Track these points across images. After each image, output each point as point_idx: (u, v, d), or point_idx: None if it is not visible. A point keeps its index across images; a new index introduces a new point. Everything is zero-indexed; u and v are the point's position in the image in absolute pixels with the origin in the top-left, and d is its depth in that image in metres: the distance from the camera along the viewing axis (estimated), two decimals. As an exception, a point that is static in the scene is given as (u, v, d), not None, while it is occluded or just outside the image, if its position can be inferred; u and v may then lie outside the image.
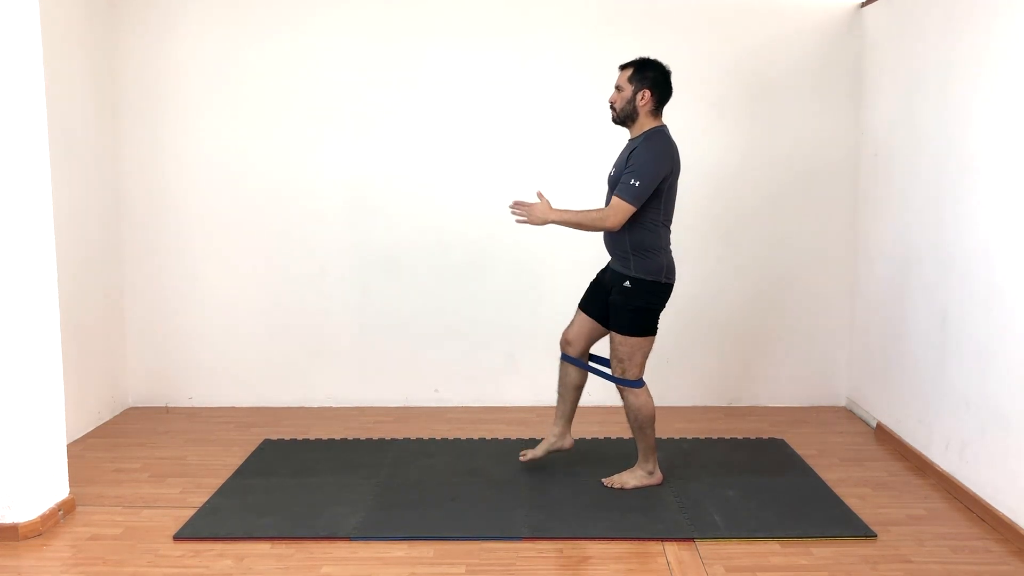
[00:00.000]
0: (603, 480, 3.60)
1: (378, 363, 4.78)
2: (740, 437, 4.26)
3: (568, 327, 3.67)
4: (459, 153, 4.65)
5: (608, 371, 3.61)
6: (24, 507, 3.18)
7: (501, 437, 4.26)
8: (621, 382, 3.49)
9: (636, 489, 3.55)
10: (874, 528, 3.20)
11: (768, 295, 4.72)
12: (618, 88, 3.43)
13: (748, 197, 4.66)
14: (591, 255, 4.71)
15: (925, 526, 3.24)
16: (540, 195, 3.42)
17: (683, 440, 4.19)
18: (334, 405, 4.81)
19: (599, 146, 4.63)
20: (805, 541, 3.12)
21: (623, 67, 3.45)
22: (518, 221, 3.41)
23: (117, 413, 4.68)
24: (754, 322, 4.74)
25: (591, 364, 3.69)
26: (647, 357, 3.50)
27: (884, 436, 4.18)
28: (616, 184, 3.38)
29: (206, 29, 4.60)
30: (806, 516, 3.31)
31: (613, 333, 3.47)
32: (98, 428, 4.44)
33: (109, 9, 4.56)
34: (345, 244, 4.71)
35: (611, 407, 4.73)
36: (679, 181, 3.45)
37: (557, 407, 3.74)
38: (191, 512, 3.37)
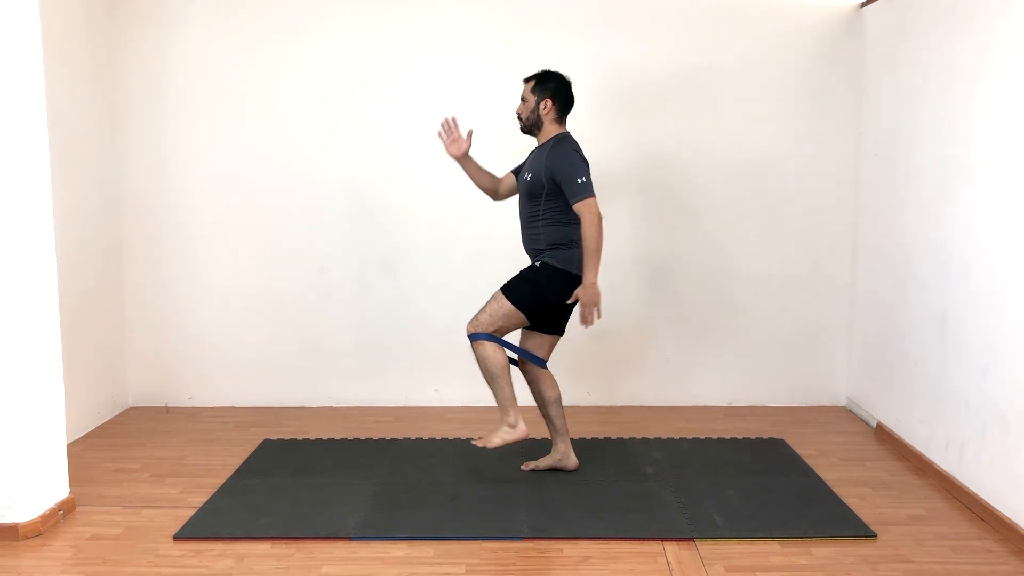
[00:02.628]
0: (472, 440, 3.67)
1: (378, 363, 4.78)
2: (740, 437, 4.26)
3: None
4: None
5: (517, 348, 3.67)
6: (24, 507, 3.18)
7: (501, 437, 4.25)
8: (471, 336, 3.52)
9: (504, 445, 3.55)
10: (874, 528, 3.20)
11: (768, 295, 4.72)
12: (523, 99, 3.61)
13: (747, 197, 4.66)
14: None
15: (925, 526, 3.24)
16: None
17: (683, 440, 4.19)
18: (334, 405, 4.81)
19: (599, 146, 4.63)
20: (805, 541, 3.12)
21: (527, 80, 3.62)
22: (586, 323, 3.46)
23: (117, 413, 4.68)
24: (754, 322, 4.74)
25: (513, 347, 3.69)
26: (505, 331, 3.54)
27: (884, 436, 4.18)
28: (533, 187, 3.51)
29: (206, 29, 4.60)
30: (806, 516, 3.31)
31: (498, 290, 3.55)
32: (98, 428, 4.44)
33: (109, 9, 4.57)
34: (345, 244, 4.71)
35: (611, 407, 4.74)
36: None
37: (548, 427, 3.76)
38: (191, 512, 3.37)
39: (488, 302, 3.55)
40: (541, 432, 4.23)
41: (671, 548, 3.07)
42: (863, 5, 4.51)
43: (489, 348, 3.50)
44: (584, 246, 3.42)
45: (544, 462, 3.75)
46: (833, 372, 4.77)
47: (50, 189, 3.31)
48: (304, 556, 3.02)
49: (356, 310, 4.75)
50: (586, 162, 3.50)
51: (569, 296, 3.50)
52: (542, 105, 3.55)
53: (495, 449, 3.61)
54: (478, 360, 3.54)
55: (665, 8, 4.56)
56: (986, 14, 3.36)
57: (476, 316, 3.55)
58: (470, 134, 3.80)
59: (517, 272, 3.61)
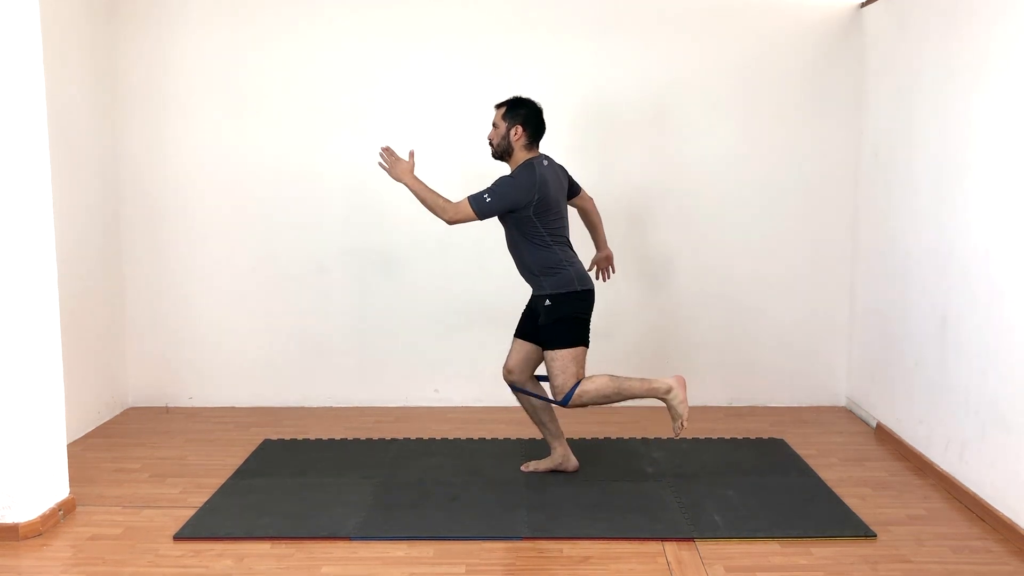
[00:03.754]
0: (676, 432, 3.56)
1: (378, 363, 4.78)
2: (740, 437, 4.26)
3: (508, 357, 3.71)
4: (459, 153, 4.65)
5: (546, 393, 3.68)
6: (24, 507, 3.18)
7: (501, 437, 4.26)
8: (559, 402, 3.51)
9: (688, 405, 3.53)
10: (874, 528, 3.20)
11: (768, 295, 4.72)
12: (494, 125, 3.61)
13: (748, 197, 4.66)
14: (589, 255, 4.72)
15: (925, 526, 3.24)
16: (411, 154, 3.60)
17: (683, 440, 4.19)
18: (334, 405, 4.81)
19: (599, 146, 4.64)
20: (805, 541, 3.12)
21: (498, 106, 3.62)
22: (379, 165, 3.57)
23: (117, 413, 4.68)
24: (754, 322, 4.74)
25: (529, 385, 3.70)
26: (583, 367, 3.52)
27: (884, 436, 4.18)
28: (501, 218, 3.56)
29: (206, 29, 4.60)
30: (806, 516, 3.31)
31: (546, 352, 3.52)
32: (98, 428, 4.44)
33: (109, 9, 4.57)
34: (345, 244, 4.71)
35: (611, 407, 4.73)
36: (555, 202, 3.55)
37: (542, 432, 3.76)
38: (191, 512, 3.37)
39: (550, 368, 3.50)
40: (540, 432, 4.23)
41: (671, 548, 3.07)
42: (863, 5, 4.51)
43: (594, 384, 3.48)
44: (434, 193, 3.49)
45: (544, 464, 3.75)
46: (833, 372, 4.77)
47: (50, 189, 3.31)
48: (304, 556, 3.02)
49: (356, 310, 4.75)
50: (524, 192, 3.43)
51: (590, 308, 3.55)
52: (512, 132, 3.54)
53: (687, 419, 3.53)
54: (597, 402, 3.51)
55: (666, 8, 4.56)
56: (986, 14, 3.36)
57: (553, 386, 3.50)
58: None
59: (539, 322, 3.55)
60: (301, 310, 4.75)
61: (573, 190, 3.77)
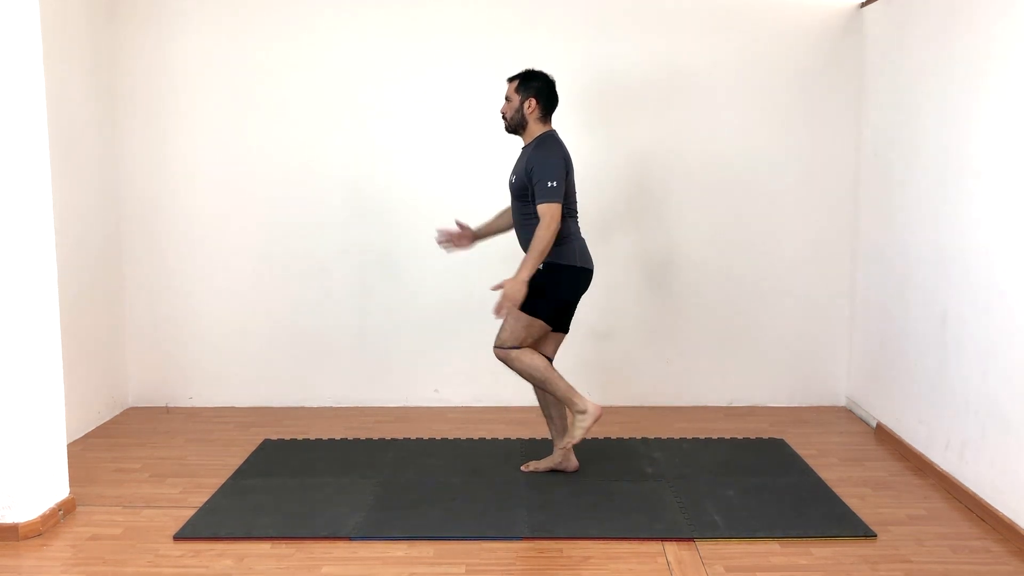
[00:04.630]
0: (559, 444, 3.65)
1: (378, 363, 4.78)
2: (740, 437, 4.26)
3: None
4: (459, 153, 4.65)
5: None
6: (24, 507, 3.18)
7: (501, 437, 4.26)
8: (497, 348, 3.50)
9: (586, 435, 3.54)
10: (874, 528, 3.20)
11: (768, 295, 4.72)
12: (507, 99, 3.61)
13: (748, 196, 4.66)
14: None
15: (925, 526, 3.24)
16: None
17: (683, 440, 4.19)
18: (334, 405, 4.81)
19: (599, 146, 4.64)
20: (805, 541, 3.12)
21: (510, 79, 3.62)
22: (496, 315, 3.44)
23: (117, 413, 4.68)
24: (754, 322, 4.74)
25: None
26: (530, 339, 3.52)
27: (884, 436, 4.18)
28: (518, 190, 3.53)
29: (206, 29, 4.60)
30: (806, 516, 3.31)
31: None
32: (98, 428, 4.44)
33: (109, 9, 4.56)
34: (345, 244, 4.71)
35: (611, 407, 4.73)
36: (575, 177, 3.61)
37: (548, 427, 3.77)
38: (191, 512, 3.37)
39: (505, 319, 3.51)
40: (542, 432, 4.23)
41: (671, 548, 3.07)
42: (863, 5, 4.51)
43: (525, 356, 3.49)
44: (531, 244, 3.40)
45: (544, 464, 3.75)
46: (833, 372, 4.77)
47: (50, 189, 3.31)
48: (304, 556, 3.02)
49: (356, 310, 4.75)
50: (565, 162, 3.48)
51: (579, 290, 3.52)
52: (526, 104, 3.55)
53: (579, 442, 3.59)
54: (520, 373, 3.52)
55: (666, 8, 4.56)
56: (986, 14, 3.36)
57: (498, 336, 3.52)
58: (460, 227, 3.82)
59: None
60: (301, 310, 4.75)
61: None
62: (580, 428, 3.52)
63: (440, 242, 3.91)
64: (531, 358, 3.50)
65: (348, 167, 4.67)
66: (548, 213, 3.39)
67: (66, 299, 3.86)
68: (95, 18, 4.46)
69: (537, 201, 3.42)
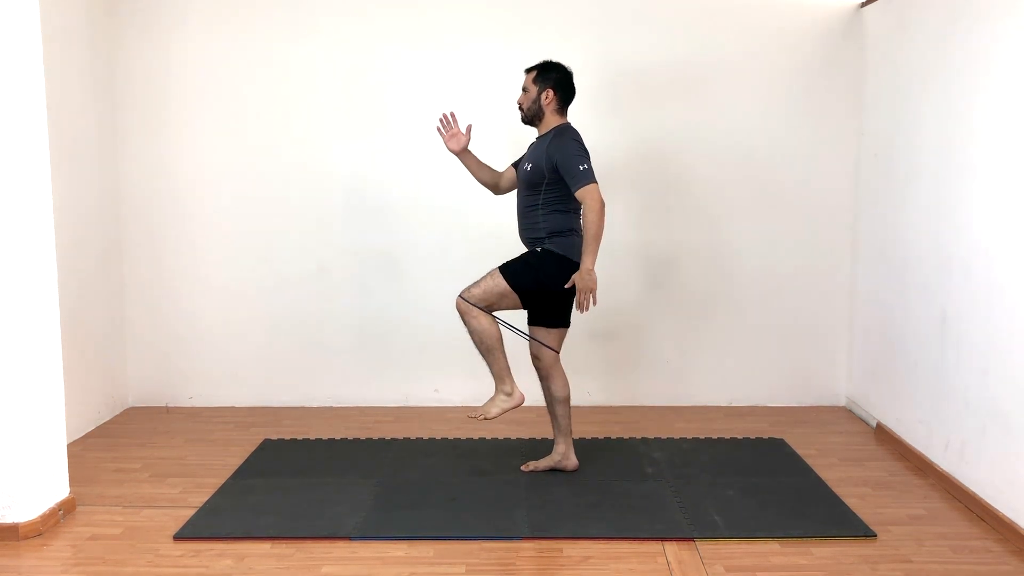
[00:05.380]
0: (467, 414, 3.69)
1: (378, 363, 4.78)
2: (740, 437, 4.26)
3: (531, 343, 3.72)
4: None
5: (520, 330, 3.70)
6: (24, 507, 3.18)
7: (501, 437, 4.26)
8: (462, 300, 3.51)
9: (502, 414, 3.59)
10: (874, 528, 3.20)
11: (768, 295, 4.72)
12: (524, 90, 3.62)
13: (747, 196, 4.66)
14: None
15: (925, 526, 3.24)
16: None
17: (683, 440, 4.19)
18: (334, 405, 4.81)
19: (599, 145, 4.63)
20: (805, 541, 3.12)
21: (528, 70, 3.62)
22: (582, 309, 3.45)
23: (117, 413, 4.68)
24: (754, 322, 4.74)
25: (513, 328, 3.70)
26: (498, 309, 3.55)
27: (884, 436, 4.18)
28: (534, 177, 3.53)
29: (207, 29, 4.60)
30: (806, 516, 3.31)
31: (496, 268, 3.55)
32: (98, 428, 4.44)
33: (109, 9, 4.57)
34: (345, 244, 4.71)
35: (611, 407, 4.74)
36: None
37: (552, 424, 3.77)
38: (191, 512, 3.37)
39: (484, 277, 3.55)
40: (542, 432, 4.23)
41: (671, 548, 3.07)
42: (863, 5, 4.51)
43: (484, 321, 3.51)
44: (585, 231, 3.42)
45: (544, 463, 3.75)
46: (833, 372, 4.77)
47: (50, 189, 3.31)
48: (304, 556, 3.02)
49: (356, 310, 4.75)
50: (587, 151, 3.50)
51: (566, 282, 3.50)
52: (544, 95, 3.56)
53: (494, 419, 3.65)
54: (471, 332, 3.54)
55: (666, 7, 4.56)
56: (986, 14, 3.36)
57: (469, 288, 3.54)
58: (469, 128, 3.84)
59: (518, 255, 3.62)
60: (301, 310, 4.75)
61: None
62: (498, 407, 3.59)
63: (439, 127, 3.87)
64: (489, 323, 3.52)
65: (348, 167, 4.67)
66: (590, 195, 3.38)
67: (66, 299, 3.86)
68: (95, 18, 4.46)
69: (574, 188, 3.41)
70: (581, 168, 3.41)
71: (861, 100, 4.56)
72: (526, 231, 3.62)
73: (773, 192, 4.66)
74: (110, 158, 4.61)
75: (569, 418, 3.73)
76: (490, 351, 3.54)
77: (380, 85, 4.62)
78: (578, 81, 4.57)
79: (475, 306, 3.51)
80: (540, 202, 3.53)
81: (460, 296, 3.54)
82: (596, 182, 3.42)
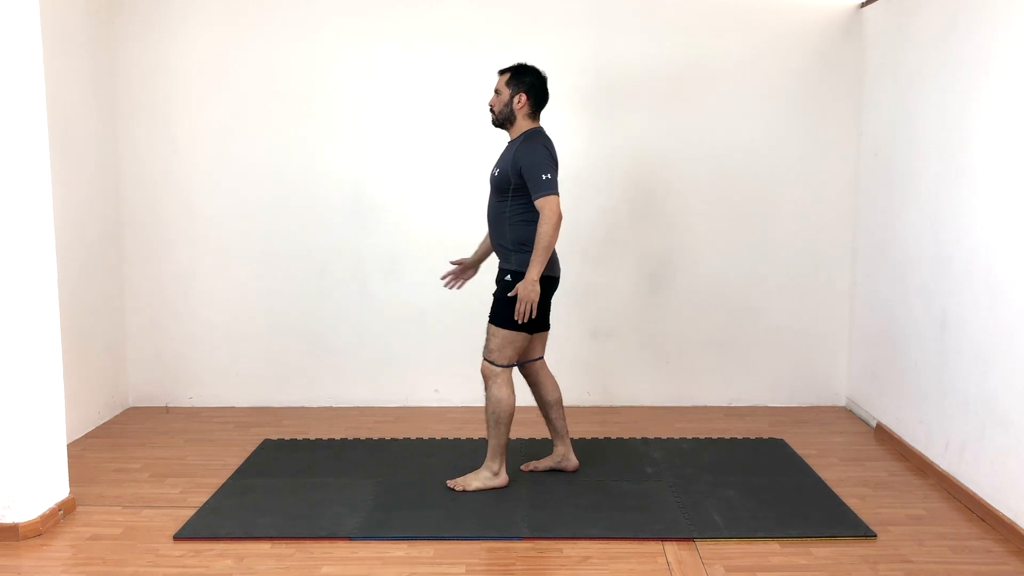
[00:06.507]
0: (447, 482, 3.58)
1: (378, 363, 4.78)
2: (740, 437, 4.26)
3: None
4: (459, 153, 4.65)
5: None
6: (24, 507, 3.18)
7: (501, 437, 4.25)
8: (490, 369, 3.45)
9: (479, 491, 3.52)
10: (874, 528, 3.20)
11: (768, 295, 4.72)
12: (496, 92, 3.52)
13: (747, 196, 4.66)
14: (589, 255, 4.72)
15: (925, 526, 3.24)
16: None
17: (683, 440, 4.19)
18: (334, 405, 4.81)
19: (599, 145, 4.64)
20: (805, 541, 3.12)
21: (501, 72, 3.53)
22: (519, 319, 3.35)
23: (117, 413, 4.68)
24: (754, 322, 4.74)
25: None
26: (518, 353, 3.49)
27: (884, 436, 4.18)
28: (500, 182, 3.46)
29: (207, 30, 4.60)
30: (806, 516, 3.31)
31: (488, 324, 3.49)
32: (98, 428, 4.44)
33: (109, 9, 4.56)
34: (345, 244, 4.71)
35: (611, 407, 4.74)
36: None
37: (548, 428, 3.76)
38: (191, 512, 3.37)
39: (488, 337, 3.48)
40: (542, 432, 4.23)
41: (671, 548, 3.07)
42: (863, 5, 4.51)
43: (504, 391, 3.46)
44: (536, 241, 3.31)
45: (544, 463, 3.75)
46: (833, 372, 4.77)
47: (50, 189, 3.31)
48: (304, 556, 3.02)
49: (356, 310, 4.75)
50: (555, 160, 3.42)
51: (548, 295, 3.46)
52: (516, 99, 3.46)
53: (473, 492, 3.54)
54: (488, 399, 3.48)
55: (665, 7, 4.56)
56: (986, 14, 3.36)
57: (486, 346, 3.48)
58: (460, 264, 3.80)
59: (494, 292, 3.52)
60: (301, 310, 4.75)
61: None
62: (480, 482, 3.54)
63: (448, 285, 3.87)
64: (506, 394, 3.46)
65: (348, 167, 4.67)
66: (547, 206, 3.30)
67: (66, 299, 3.86)
68: (95, 18, 4.46)
69: (533, 196, 3.33)
70: (544, 177, 3.32)
71: (861, 100, 4.56)
72: (494, 236, 3.54)
73: (773, 192, 4.66)
74: (110, 158, 4.61)
75: (564, 419, 3.72)
76: (498, 423, 3.48)
77: (381, 85, 4.62)
78: (578, 82, 4.61)
79: (504, 366, 3.44)
80: (507, 210, 3.44)
81: (484, 360, 3.48)
82: (557, 194, 3.32)
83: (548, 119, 4.58)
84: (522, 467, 3.77)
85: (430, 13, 4.59)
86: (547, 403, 3.69)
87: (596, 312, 4.72)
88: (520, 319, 3.34)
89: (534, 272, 3.32)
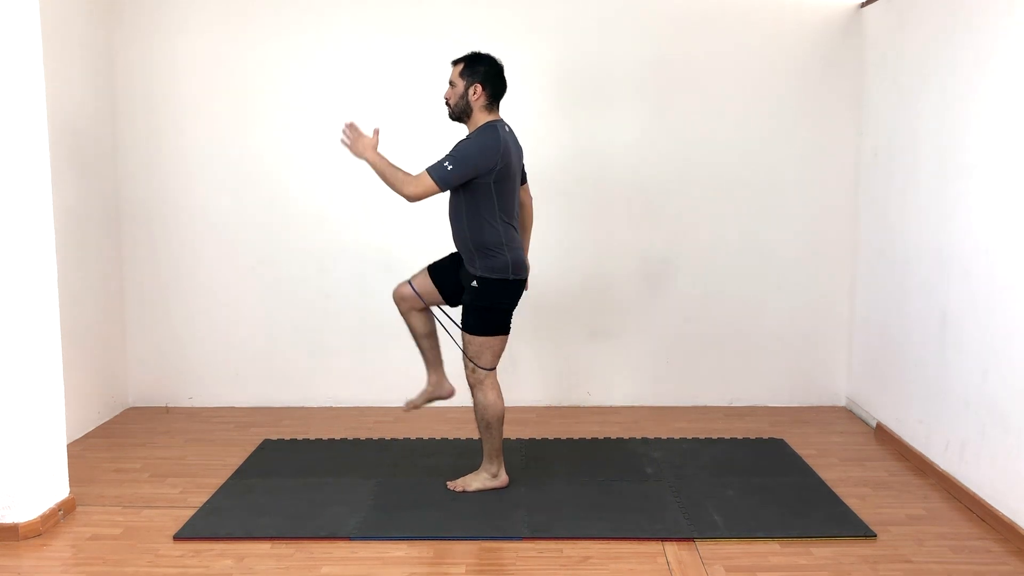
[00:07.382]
0: (447, 483, 3.57)
1: (378, 363, 4.77)
2: (740, 437, 4.26)
3: (413, 278, 3.61)
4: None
5: (451, 321, 3.61)
6: (24, 507, 3.18)
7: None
8: (476, 378, 3.43)
9: (479, 492, 3.51)
10: (874, 528, 3.20)
11: (768, 295, 4.71)
12: (451, 84, 3.37)
13: (747, 196, 4.66)
14: (589, 255, 4.72)
15: (925, 526, 3.24)
16: (376, 132, 3.43)
17: (683, 440, 4.19)
18: (334, 405, 4.81)
19: (599, 145, 4.64)
20: (805, 541, 3.12)
21: (455, 62, 3.39)
22: (341, 142, 3.39)
23: (117, 413, 4.68)
24: (754, 322, 4.73)
25: (438, 309, 3.62)
26: (498, 356, 3.46)
27: (884, 436, 4.18)
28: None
29: (206, 29, 4.60)
30: (806, 516, 3.31)
31: (463, 332, 3.44)
32: (98, 428, 4.44)
33: (109, 9, 4.57)
34: (345, 244, 4.71)
35: (611, 407, 4.74)
36: (510, 175, 3.36)
37: (423, 359, 3.69)
38: (191, 512, 3.37)
39: (464, 346, 3.43)
40: (541, 432, 4.23)
41: (671, 548, 3.07)
42: (863, 5, 4.51)
43: (491, 396, 3.44)
44: (395, 168, 3.29)
45: (420, 398, 3.70)
46: (833, 372, 4.77)
47: (50, 189, 3.31)
48: (304, 556, 3.02)
49: (356, 310, 4.75)
50: (481, 158, 3.23)
51: (516, 298, 3.40)
52: (471, 91, 3.30)
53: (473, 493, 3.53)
54: (476, 406, 3.46)
55: (664, 8, 4.56)
56: (986, 14, 3.36)
57: (464, 358, 3.44)
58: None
59: (462, 298, 3.47)
60: (301, 310, 4.75)
61: (522, 176, 3.54)
62: (480, 482, 3.53)
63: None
64: (495, 398, 3.44)
65: (348, 167, 4.66)
66: (421, 184, 3.21)
67: (66, 299, 3.86)
68: (95, 18, 4.46)
69: (427, 167, 3.23)
70: (445, 166, 3.21)
71: (861, 100, 4.56)
72: (456, 238, 3.46)
73: (773, 192, 4.65)
74: (110, 158, 4.61)
75: (436, 349, 3.64)
76: (489, 428, 3.46)
77: (381, 83, 4.62)
78: (576, 80, 4.60)
79: (488, 370, 3.42)
80: (463, 208, 3.34)
81: (467, 371, 3.45)
82: (438, 187, 3.21)
83: (548, 118, 4.62)
84: (403, 406, 3.73)
85: (433, 11, 4.59)
86: (418, 334, 3.61)
87: (596, 312, 4.72)
88: (343, 134, 3.35)
89: (374, 158, 3.32)
